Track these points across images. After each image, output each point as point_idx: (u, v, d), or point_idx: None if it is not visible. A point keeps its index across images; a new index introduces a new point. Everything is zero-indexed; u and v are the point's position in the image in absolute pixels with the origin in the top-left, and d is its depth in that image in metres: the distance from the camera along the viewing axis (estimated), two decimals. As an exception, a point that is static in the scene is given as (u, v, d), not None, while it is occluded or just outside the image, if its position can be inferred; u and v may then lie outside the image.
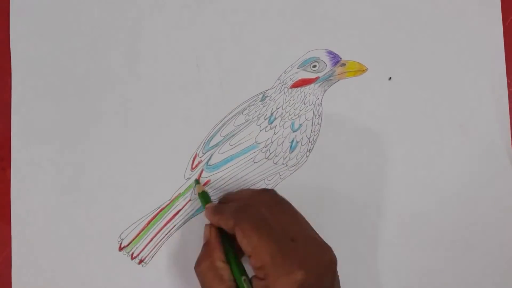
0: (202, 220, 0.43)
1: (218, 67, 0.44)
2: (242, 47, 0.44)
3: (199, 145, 0.43)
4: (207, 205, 0.39)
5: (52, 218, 0.43)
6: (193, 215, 0.43)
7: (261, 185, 0.43)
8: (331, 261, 0.34)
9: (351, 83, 0.44)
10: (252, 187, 0.43)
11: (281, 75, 0.43)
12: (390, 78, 0.42)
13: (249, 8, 0.44)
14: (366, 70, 0.44)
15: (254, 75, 0.43)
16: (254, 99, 0.43)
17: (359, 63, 0.44)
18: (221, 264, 0.36)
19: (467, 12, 0.44)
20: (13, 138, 0.43)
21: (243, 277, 0.35)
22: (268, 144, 0.43)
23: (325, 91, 0.43)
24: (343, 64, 0.43)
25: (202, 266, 0.36)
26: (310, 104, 0.43)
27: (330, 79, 0.43)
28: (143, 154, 0.43)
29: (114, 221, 0.43)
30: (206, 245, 0.37)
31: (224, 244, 0.37)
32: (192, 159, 0.43)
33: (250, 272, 0.35)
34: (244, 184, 0.43)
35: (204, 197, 0.41)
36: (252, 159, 0.43)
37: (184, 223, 0.43)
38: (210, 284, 0.35)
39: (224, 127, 0.43)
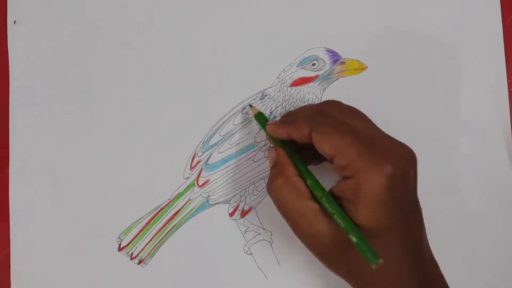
0: (201, 220, 0.43)
1: (217, 67, 0.43)
2: (241, 46, 0.44)
3: (198, 145, 0.43)
4: (269, 122, 0.38)
5: (51, 217, 0.43)
6: (192, 215, 0.43)
7: (260, 185, 0.42)
8: (412, 155, 0.34)
9: (350, 81, 0.43)
10: (252, 186, 0.42)
11: (280, 74, 0.43)
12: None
13: (248, 7, 0.44)
14: (366, 68, 0.44)
15: (253, 74, 0.43)
16: (253, 98, 0.43)
17: (358, 61, 0.44)
18: (296, 178, 0.35)
19: (467, 11, 0.44)
20: (11, 137, 0.43)
21: (317, 189, 0.34)
22: (267, 143, 0.43)
23: (324, 89, 0.43)
24: (343, 62, 0.43)
25: (276, 183, 0.35)
26: (309, 102, 0.43)
27: (330, 78, 0.43)
28: (142, 154, 0.43)
29: (113, 221, 0.43)
30: (276, 166, 0.36)
31: (294, 161, 0.36)
32: (191, 158, 0.43)
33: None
34: (244, 183, 0.43)
35: (260, 117, 0.40)
36: (251, 158, 0.43)
37: (183, 222, 0.43)
38: (288, 199, 0.34)
39: (223, 126, 0.43)
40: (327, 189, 0.34)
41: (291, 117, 0.36)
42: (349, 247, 0.32)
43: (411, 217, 0.33)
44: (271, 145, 0.38)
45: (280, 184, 0.35)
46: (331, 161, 0.33)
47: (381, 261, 0.30)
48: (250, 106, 0.42)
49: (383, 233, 0.32)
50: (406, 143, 0.34)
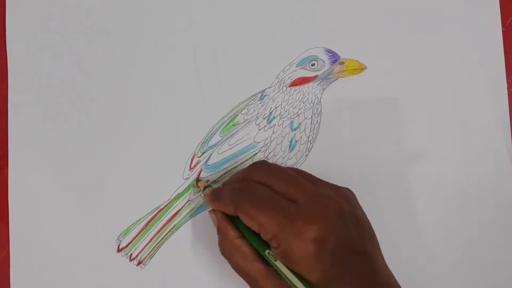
0: (201, 220, 0.43)
1: (217, 67, 0.43)
2: (241, 46, 0.44)
3: (197, 145, 0.43)
4: (205, 191, 0.40)
5: (51, 218, 0.43)
6: (191, 216, 0.43)
7: (260, 185, 0.43)
8: (338, 208, 0.34)
9: (350, 81, 0.43)
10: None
11: (279, 74, 0.43)
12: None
13: (248, 7, 0.44)
14: (365, 68, 0.43)
15: (253, 74, 0.43)
16: (252, 98, 0.43)
17: (357, 61, 0.43)
18: (238, 241, 0.36)
19: (467, 12, 0.44)
20: (11, 137, 0.43)
21: (267, 251, 0.35)
22: (267, 144, 0.43)
23: (324, 89, 0.43)
24: (342, 63, 0.43)
25: (222, 248, 0.37)
26: (309, 102, 0.43)
27: (329, 78, 0.43)
28: (141, 155, 0.43)
29: (112, 222, 0.43)
30: (219, 230, 0.37)
31: (236, 223, 0.37)
32: (190, 159, 0.43)
33: None
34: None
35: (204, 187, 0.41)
36: (251, 159, 0.43)
37: (183, 223, 0.43)
38: (238, 263, 0.36)
39: (222, 126, 0.43)
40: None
41: (218, 195, 0.38)
42: None
43: (354, 262, 0.33)
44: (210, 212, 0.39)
45: (225, 248, 0.36)
46: (260, 233, 0.34)
47: None
48: (198, 180, 0.42)
49: (323, 286, 0.32)
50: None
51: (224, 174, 0.43)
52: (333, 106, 0.43)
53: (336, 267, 0.33)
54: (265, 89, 0.43)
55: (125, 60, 0.44)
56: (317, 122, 0.43)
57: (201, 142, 0.43)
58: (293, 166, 0.43)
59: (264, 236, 0.34)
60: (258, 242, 0.35)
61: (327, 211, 0.33)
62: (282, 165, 0.43)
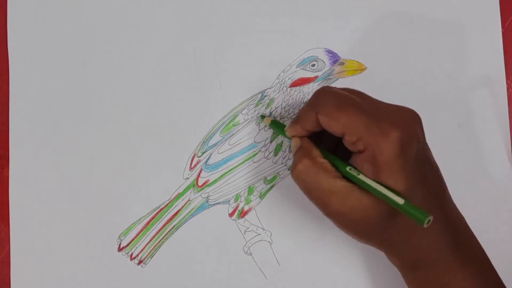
0: (201, 220, 0.43)
1: (217, 67, 0.43)
2: (241, 47, 0.44)
3: (198, 145, 0.43)
4: (287, 127, 0.38)
5: (51, 218, 0.43)
6: (192, 215, 0.43)
7: (260, 185, 0.43)
8: (417, 116, 0.34)
9: (350, 82, 0.44)
10: (251, 186, 0.43)
11: (280, 74, 0.43)
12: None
13: (248, 7, 0.44)
14: (365, 69, 0.44)
15: (253, 75, 0.43)
16: (253, 98, 0.43)
17: (358, 62, 0.44)
18: (322, 160, 0.35)
19: (466, 12, 0.44)
20: (12, 136, 0.43)
21: (348, 167, 0.34)
22: (267, 144, 0.43)
23: (324, 90, 0.43)
24: (342, 63, 0.43)
25: (302, 165, 0.35)
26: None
27: (329, 78, 0.43)
28: (142, 155, 0.43)
29: (113, 221, 0.43)
30: (300, 150, 0.36)
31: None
32: (190, 158, 0.43)
33: None
34: (243, 184, 0.43)
35: (276, 124, 0.40)
36: (251, 159, 0.43)
37: (183, 223, 0.43)
38: (316, 179, 0.34)
39: (223, 126, 0.43)
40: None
41: (296, 117, 0.37)
42: (380, 218, 0.33)
43: (429, 175, 0.34)
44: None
45: (306, 165, 0.34)
46: (342, 138, 0.34)
47: (431, 217, 0.31)
48: (262, 117, 0.42)
49: (407, 195, 0.32)
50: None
51: (224, 174, 0.43)
52: (333, 106, 0.43)
53: (417, 176, 0.33)
54: (266, 90, 0.43)
55: (125, 61, 0.44)
56: (317, 122, 0.43)
57: (202, 142, 0.43)
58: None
59: (349, 139, 0.33)
60: (338, 160, 0.35)
61: (408, 118, 0.34)
62: (282, 165, 0.43)
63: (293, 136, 0.37)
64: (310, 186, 0.35)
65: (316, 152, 0.35)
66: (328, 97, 0.35)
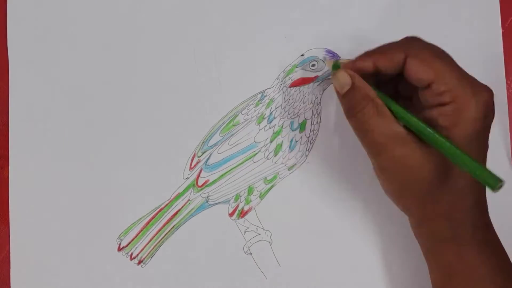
0: (201, 220, 0.43)
1: (217, 67, 0.44)
2: (241, 47, 0.44)
3: (198, 145, 0.43)
4: (356, 58, 0.35)
5: (51, 218, 0.43)
6: (192, 215, 0.43)
7: (260, 185, 0.43)
8: (489, 90, 0.33)
9: (350, 82, 0.43)
10: (251, 186, 0.43)
11: (280, 74, 0.43)
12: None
13: (248, 7, 0.44)
14: (365, 69, 0.44)
15: (253, 75, 0.43)
16: (253, 98, 0.43)
17: (358, 62, 0.43)
18: (379, 101, 0.33)
19: (467, 13, 0.44)
20: (12, 136, 0.43)
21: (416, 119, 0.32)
22: (267, 144, 0.43)
23: (324, 90, 0.43)
24: (342, 63, 0.43)
25: (359, 105, 0.33)
26: (309, 103, 0.43)
27: (329, 78, 0.43)
28: (142, 154, 0.43)
29: (113, 221, 0.43)
30: (353, 89, 0.33)
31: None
32: (190, 158, 0.43)
33: None
34: (243, 184, 0.43)
35: (336, 64, 0.37)
36: (251, 159, 0.43)
37: (183, 223, 0.43)
38: (375, 122, 0.32)
39: (223, 126, 0.43)
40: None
41: (379, 48, 0.35)
42: (432, 175, 0.32)
43: (487, 146, 0.34)
44: (337, 72, 0.35)
45: (364, 106, 0.33)
46: (425, 87, 0.33)
47: (503, 182, 0.30)
48: (335, 65, 0.38)
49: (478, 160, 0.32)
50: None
51: (224, 173, 0.43)
52: (333, 106, 0.43)
53: (484, 147, 0.33)
54: (266, 90, 0.43)
55: (125, 60, 0.44)
56: (317, 122, 0.43)
57: (201, 142, 0.43)
58: (293, 166, 0.43)
59: (438, 88, 0.32)
60: (402, 107, 0.33)
61: (490, 90, 0.33)
62: (282, 165, 0.43)
63: (344, 71, 0.34)
64: (366, 128, 0.33)
65: (373, 93, 0.33)
66: (422, 43, 0.34)
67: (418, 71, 0.33)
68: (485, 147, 0.33)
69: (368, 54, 0.35)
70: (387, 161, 0.33)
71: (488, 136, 0.34)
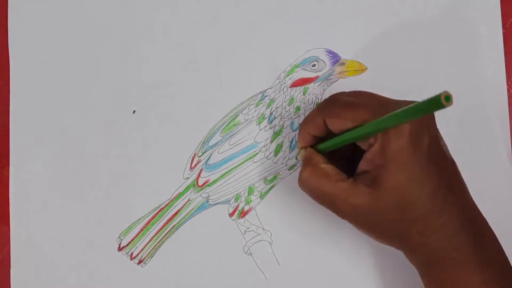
0: (201, 220, 0.43)
1: (218, 67, 0.44)
2: (242, 47, 0.44)
3: (198, 145, 0.43)
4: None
5: (51, 218, 0.43)
6: (192, 215, 0.43)
7: (260, 185, 0.43)
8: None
9: (350, 82, 0.43)
10: (251, 186, 0.43)
11: (280, 75, 0.43)
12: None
13: (248, 7, 0.44)
14: (366, 69, 0.44)
15: (254, 75, 0.43)
16: (253, 98, 0.43)
17: (358, 62, 0.44)
18: (323, 165, 0.35)
19: (467, 13, 0.44)
20: (12, 136, 0.43)
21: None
22: (267, 144, 0.43)
23: (324, 90, 0.43)
24: (343, 64, 0.43)
25: (304, 174, 0.35)
26: (309, 103, 0.43)
27: (330, 79, 0.43)
28: (142, 154, 0.43)
29: (113, 221, 0.43)
30: (304, 161, 0.37)
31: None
32: (191, 158, 0.43)
33: None
34: (244, 184, 0.43)
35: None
36: (251, 159, 0.43)
37: (183, 223, 0.43)
38: (318, 185, 0.35)
39: (223, 126, 0.43)
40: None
41: (303, 120, 0.37)
42: (390, 210, 0.33)
43: (443, 169, 0.33)
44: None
45: (308, 173, 0.35)
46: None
47: (448, 92, 0.29)
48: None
49: (412, 187, 0.32)
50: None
51: (225, 173, 0.43)
52: (334, 106, 0.43)
53: (428, 169, 0.32)
54: (266, 90, 0.43)
55: (126, 61, 0.44)
56: (317, 122, 0.43)
57: (202, 142, 0.43)
58: (293, 166, 0.43)
59: None
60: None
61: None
62: (283, 165, 0.43)
63: (301, 148, 0.38)
64: (316, 192, 0.35)
65: (317, 159, 0.36)
66: (334, 101, 0.35)
67: (336, 126, 0.34)
68: (433, 166, 0.33)
69: (301, 129, 0.37)
70: (343, 214, 0.35)
71: (443, 154, 0.34)
